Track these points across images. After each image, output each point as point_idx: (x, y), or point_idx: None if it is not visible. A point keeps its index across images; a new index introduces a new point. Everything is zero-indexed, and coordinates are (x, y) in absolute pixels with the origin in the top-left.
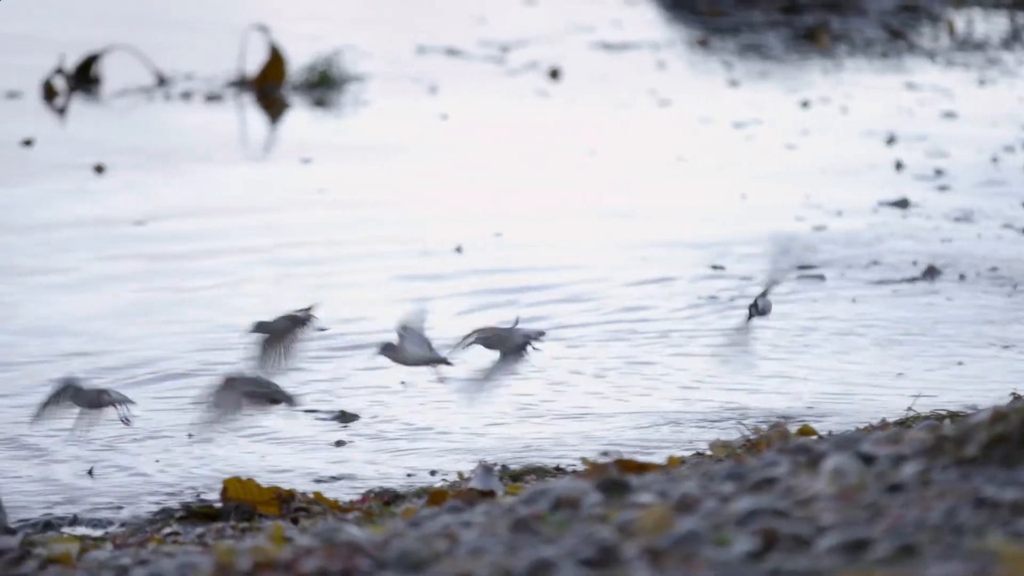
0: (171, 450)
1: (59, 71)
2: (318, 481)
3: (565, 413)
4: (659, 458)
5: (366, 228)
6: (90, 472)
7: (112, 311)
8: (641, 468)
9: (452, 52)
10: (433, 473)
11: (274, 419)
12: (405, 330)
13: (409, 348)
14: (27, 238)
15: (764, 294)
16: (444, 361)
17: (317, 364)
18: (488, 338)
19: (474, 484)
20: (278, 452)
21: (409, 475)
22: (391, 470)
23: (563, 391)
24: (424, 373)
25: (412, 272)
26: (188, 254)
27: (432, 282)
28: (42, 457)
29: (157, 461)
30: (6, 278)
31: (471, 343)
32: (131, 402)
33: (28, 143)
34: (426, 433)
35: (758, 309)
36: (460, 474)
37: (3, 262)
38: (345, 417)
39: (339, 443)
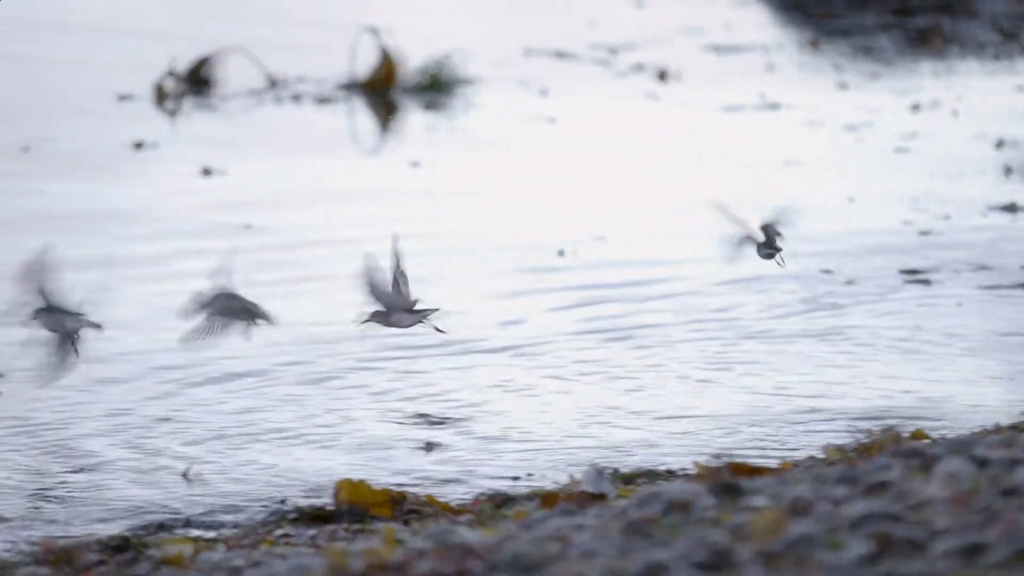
0: (278, 452)
1: (171, 74)
2: (420, 483)
3: (670, 414)
4: (766, 460)
5: (473, 229)
6: (185, 475)
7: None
8: (753, 471)
9: (560, 54)
10: (528, 476)
11: (375, 422)
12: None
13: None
14: (135, 239)
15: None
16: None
17: (414, 364)
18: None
19: (585, 487)
20: (383, 455)
21: (516, 478)
22: (497, 472)
23: (669, 392)
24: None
25: (514, 272)
26: (294, 256)
27: (535, 281)
28: (155, 458)
29: (264, 463)
30: (116, 276)
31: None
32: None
33: (139, 145)
34: (529, 435)
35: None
36: (572, 477)
37: (112, 261)
38: (439, 420)
39: (430, 445)
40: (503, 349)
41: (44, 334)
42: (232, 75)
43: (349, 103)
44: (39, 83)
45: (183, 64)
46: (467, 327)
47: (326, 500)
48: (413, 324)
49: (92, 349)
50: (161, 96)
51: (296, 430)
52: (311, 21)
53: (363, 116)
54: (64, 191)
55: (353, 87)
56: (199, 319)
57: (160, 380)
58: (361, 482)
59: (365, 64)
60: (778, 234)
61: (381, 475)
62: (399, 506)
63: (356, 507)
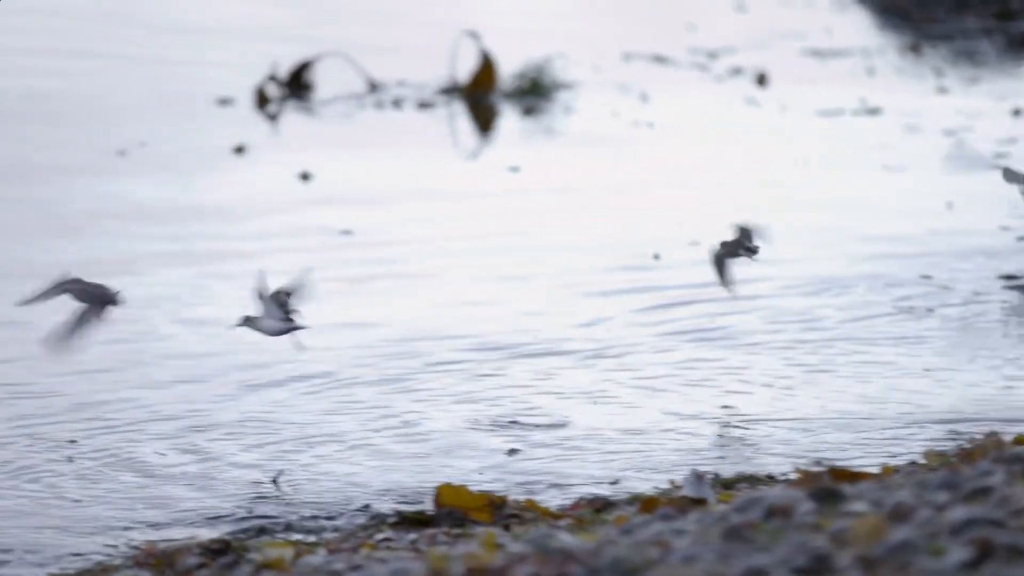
0: (365, 455)
1: (272, 78)
2: (511, 486)
3: (763, 418)
4: (866, 465)
5: (569, 232)
6: (274, 480)
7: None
8: (854, 477)
9: (659, 59)
10: (622, 480)
11: (464, 425)
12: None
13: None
14: (232, 242)
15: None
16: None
17: (502, 367)
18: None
19: (686, 492)
20: (471, 458)
21: (614, 482)
22: (591, 476)
23: (762, 396)
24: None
25: (607, 275)
26: (391, 259)
27: (627, 284)
28: (243, 461)
29: (351, 467)
30: (220, 284)
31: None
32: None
33: (239, 150)
34: (620, 439)
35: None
36: (672, 481)
37: (215, 269)
38: (530, 424)
39: (513, 451)
40: (592, 351)
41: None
42: (333, 79)
43: (449, 107)
44: (143, 84)
45: (284, 68)
46: (556, 328)
47: (425, 504)
48: (279, 333)
49: (181, 348)
50: (262, 100)
51: (382, 433)
52: (411, 25)
53: (462, 120)
54: (159, 195)
55: (453, 91)
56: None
57: (248, 381)
58: (461, 486)
59: (465, 68)
60: (750, 242)
61: (471, 479)
62: (498, 511)
63: (456, 511)
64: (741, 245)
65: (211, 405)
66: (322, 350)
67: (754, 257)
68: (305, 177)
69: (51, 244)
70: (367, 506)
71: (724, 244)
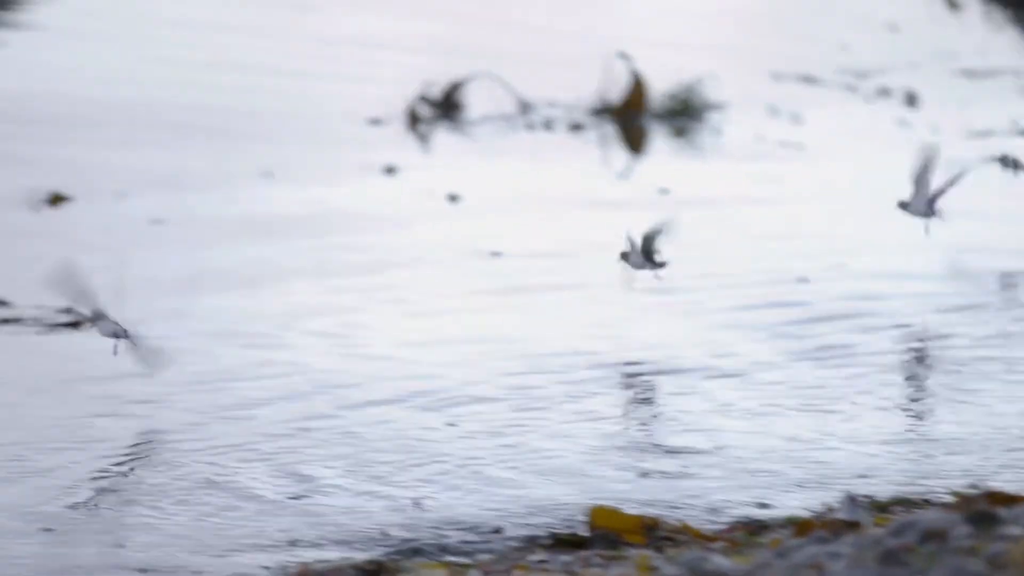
0: (507, 476)
1: (423, 98)
2: (654, 508)
3: (910, 439)
4: (1019, 488)
5: (718, 254)
6: (416, 503)
7: (446, 338)
8: (1011, 500)
9: (807, 79)
10: (764, 507)
11: (604, 447)
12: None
13: (633, 256)
14: (381, 263)
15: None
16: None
17: (641, 388)
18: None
19: (840, 515)
20: (614, 480)
21: (765, 505)
22: (740, 498)
23: (908, 418)
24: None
25: (751, 297)
26: (538, 282)
27: (770, 306)
28: (383, 481)
29: (495, 487)
30: (358, 300)
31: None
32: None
33: (390, 170)
34: (764, 461)
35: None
36: (826, 504)
37: (355, 285)
38: (671, 446)
39: (656, 473)
40: (733, 371)
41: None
42: (484, 99)
43: (600, 128)
44: (300, 101)
45: (435, 88)
46: (698, 347)
47: (574, 525)
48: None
49: (326, 364)
50: (413, 120)
51: (524, 454)
52: (562, 44)
53: (613, 142)
54: (308, 211)
55: (603, 112)
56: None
57: (391, 398)
58: (614, 508)
59: (616, 89)
60: (653, 249)
61: (618, 500)
62: (652, 533)
63: (609, 533)
64: (646, 255)
65: (344, 427)
66: (465, 369)
67: (658, 269)
68: (453, 198)
69: (200, 253)
70: (514, 527)
71: (624, 255)
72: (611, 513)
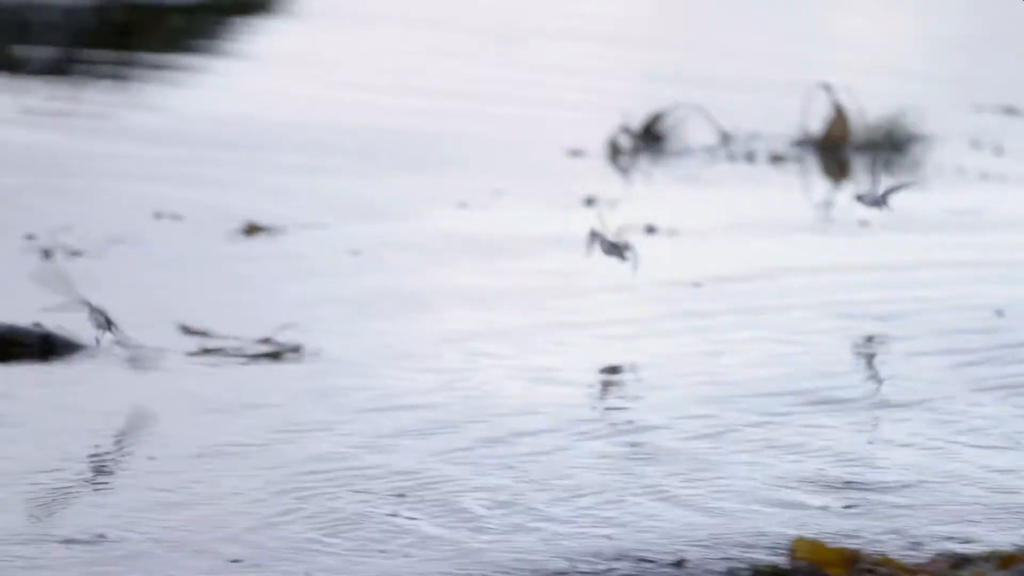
0: (701, 507)
1: (625, 129)
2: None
3: None
4: None
5: (913, 282)
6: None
7: (635, 364)
8: None
9: (1010, 110)
10: (965, 541)
11: (787, 478)
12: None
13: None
14: (570, 291)
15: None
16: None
17: (813, 417)
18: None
19: None
20: (800, 510)
21: (967, 541)
22: (942, 531)
23: None
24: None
25: (944, 332)
26: (741, 318)
27: (960, 341)
28: (525, 506)
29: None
30: (547, 326)
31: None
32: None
33: (590, 201)
34: (952, 494)
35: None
36: None
37: (546, 309)
38: (849, 478)
39: (848, 507)
40: (912, 402)
41: None
42: (685, 130)
43: (802, 161)
44: (503, 128)
45: (636, 118)
46: (876, 377)
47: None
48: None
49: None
50: (614, 152)
51: (708, 484)
52: (762, 76)
53: (814, 173)
54: (512, 233)
55: (805, 144)
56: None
57: (565, 428)
58: (816, 540)
59: (817, 120)
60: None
61: (805, 533)
62: (854, 565)
63: (812, 566)
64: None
65: (533, 451)
66: (653, 395)
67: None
68: (651, 229)
69: (392, 278)
70: (712, 560)
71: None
72: (813, 545)
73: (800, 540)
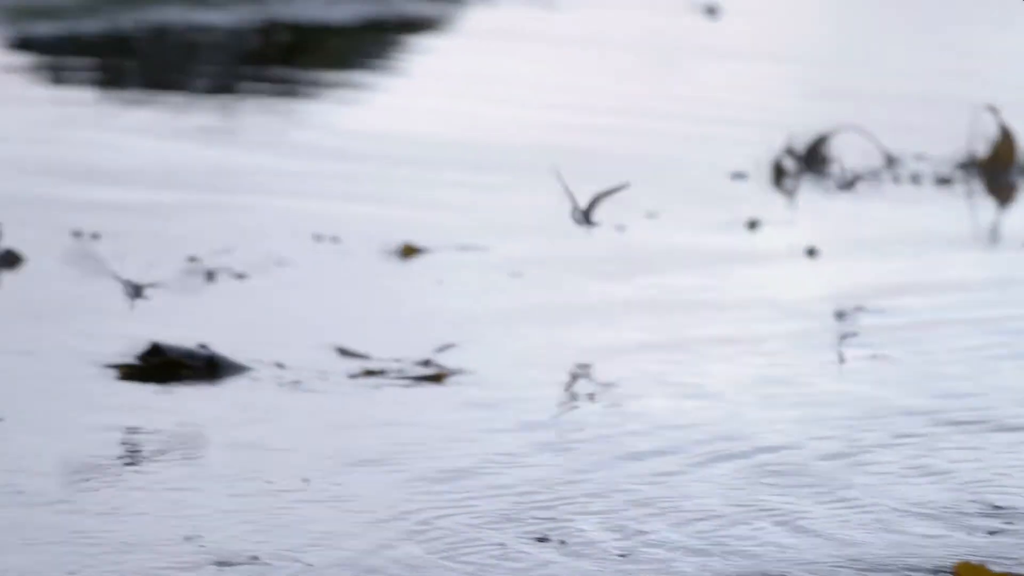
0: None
1: (789, 151)
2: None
3: None
4: None
5: None
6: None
7: (784, 393)
8: None
9: None
10: None
11: (934, 503)
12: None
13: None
14: (731, 321)
15: None
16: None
17: (962, 438)
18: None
19: None
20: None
21: None
22: None
23: None
24: None
25: None
26: (890, 332)
27: None
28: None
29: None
30: (700, 348)
31: None
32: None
33: (753, 225)
34: None
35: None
36: None
37: (698, 331)
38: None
39: (993, 532)
40: None
41: None
42: (849, 153)
43: (967, 184)
44: (669, 147)
45: (800, 140)
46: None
47: None
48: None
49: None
50: (778, 175)
51: (834, 507)
52: (931, 94)
53: (979, 196)
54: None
55: (970, 166)
56: None
57: (712, 453)
58: (980, 565)
59: (983, 142)
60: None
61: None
62: None
63: None
64: (585, 214)
65: (683, 474)
66: (803, 425)
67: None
68: (812, 252)
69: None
70: None
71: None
72: (975, 569)
73: (964, 564)
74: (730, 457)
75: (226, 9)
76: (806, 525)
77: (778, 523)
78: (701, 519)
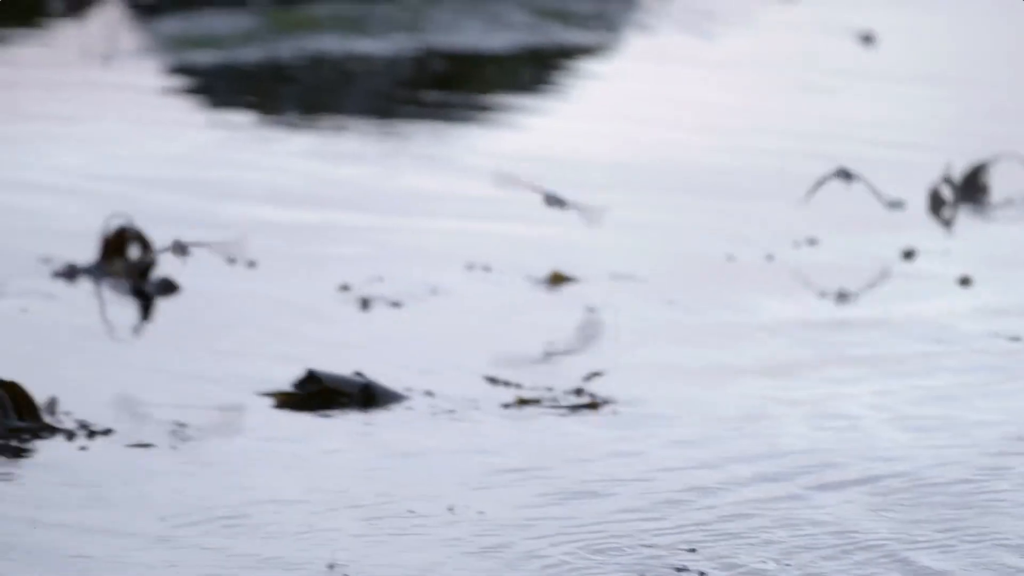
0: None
1: (947, 180)
2: None
3: None
4: None
5: None
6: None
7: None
8: None
9: None
10: None
11: None
12: None
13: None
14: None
15: None
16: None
17: None
18: None
19: None
20: None
21: None
22: None
23: None
24: None
25: None
26: None
27: None
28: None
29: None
30: (845, 371)
31: None
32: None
33: (909, 255)
34: None
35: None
36: None
37: (845, 351)
38: None
39: None
40: None
41: None
42: (1007, 181)
43: None
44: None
45: (958, 170)
46: None
47: None
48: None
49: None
50: (936, 204)
51: (972, 532)
52: None
53: None
54: (817, 263)
55: None
56: None
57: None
58: None
59: None
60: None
61: None
62: None
63: None
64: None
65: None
66: (934, 450)
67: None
68: (965, 281)
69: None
70: None
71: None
72: None
73: None
74: (876, 479)
75: (383, 38)
76: (916, 560)
77: (886, 557)
78: (860, 549)
